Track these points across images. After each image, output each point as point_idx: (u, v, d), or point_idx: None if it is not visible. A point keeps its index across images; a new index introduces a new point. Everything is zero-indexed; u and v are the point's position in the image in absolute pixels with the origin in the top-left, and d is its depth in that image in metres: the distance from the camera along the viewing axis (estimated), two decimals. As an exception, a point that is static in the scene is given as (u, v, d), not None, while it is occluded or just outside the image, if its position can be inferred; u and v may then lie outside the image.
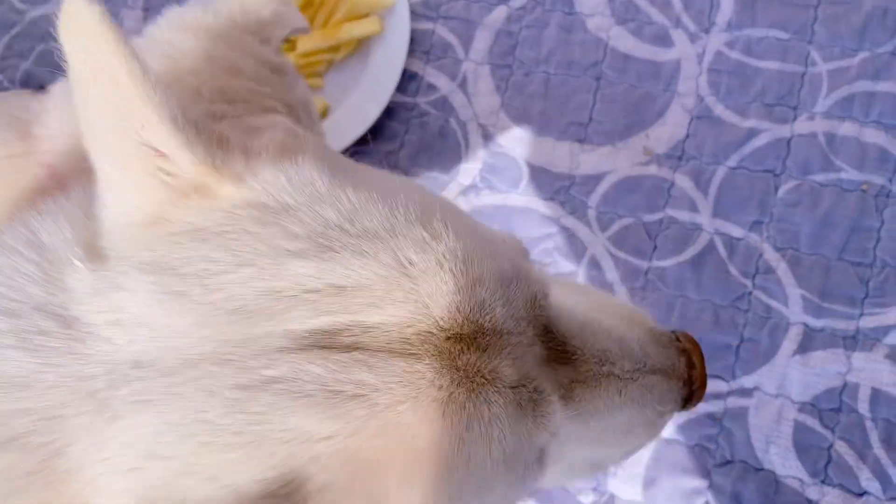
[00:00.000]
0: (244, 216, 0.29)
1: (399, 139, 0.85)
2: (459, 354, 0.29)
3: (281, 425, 0.25)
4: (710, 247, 0.73)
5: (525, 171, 0.80)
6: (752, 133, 0.75)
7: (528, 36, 0.83)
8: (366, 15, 0.87)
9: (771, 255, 0.71)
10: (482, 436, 0.29)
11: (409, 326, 0.28)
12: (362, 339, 0.27)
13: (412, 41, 0.86)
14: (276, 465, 0.25)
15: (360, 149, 0.83)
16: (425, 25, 0.87)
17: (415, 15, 0.87)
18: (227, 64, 0.51)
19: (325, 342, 0.27)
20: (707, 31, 0.78)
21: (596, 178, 0.78)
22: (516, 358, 0.31)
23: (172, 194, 0.30)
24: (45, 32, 1.02)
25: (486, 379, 0.29)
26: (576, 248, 0.76)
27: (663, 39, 0.79)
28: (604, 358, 0.36)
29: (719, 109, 0.76)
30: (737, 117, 0.75)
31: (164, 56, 0.51)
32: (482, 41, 0.85)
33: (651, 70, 0.79)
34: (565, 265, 0.76)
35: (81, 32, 0.29)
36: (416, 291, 0.29)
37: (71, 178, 0.51)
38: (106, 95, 0.29)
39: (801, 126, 0.74)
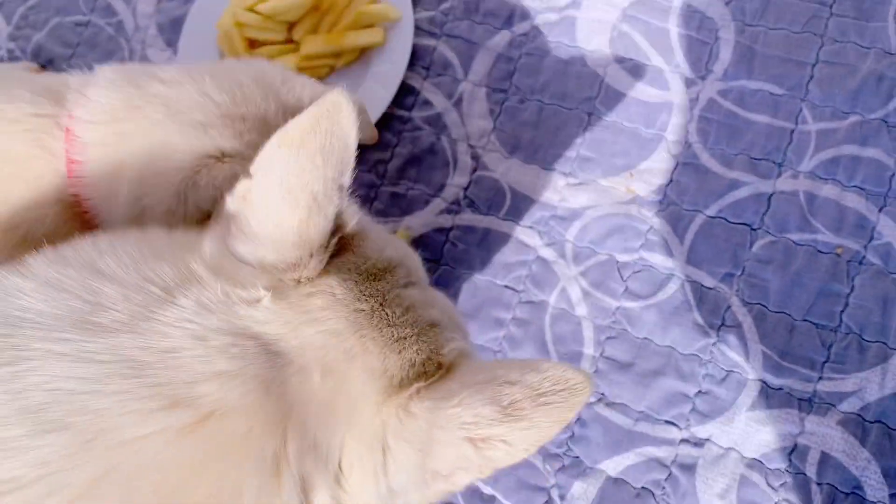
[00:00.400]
0: None
1: (390, 150, 0.86)
2: None
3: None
4: (680, 293, 0.73)
5: (508, 196, 0.81)
6: (734, 184, 0.75)
7: (527, 63, 0.84)
8: (371, 25, 0.88)
9: (738, 309, 0.72)
10: None
11: None
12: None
13: (413, 55, 0.87)
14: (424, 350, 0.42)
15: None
16: (428, 42, 0.88)
17: (419, 30, 0.88)
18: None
19: None
20: (703, 77, 0.79)
21: (577, 212, 0.79)
22: None
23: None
24: (60, 6, 1.04)
25: None
26: (549, 278, 0.77)
27: (659, 81, 0.80)
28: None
29: (705, 157, 0.76)
30: (721, 167, 0.76)
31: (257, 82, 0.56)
32: (482, 63, 0.85)
33: (643, 111, 0.79)
34: (536, 294, 0.77)
35: (337, 111, 0.41)
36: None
37: (97, 201, 0.54)
38: (331, 149, 0.42)
39: (784, 183, 0.74)
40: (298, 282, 0.42)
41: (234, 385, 0.37)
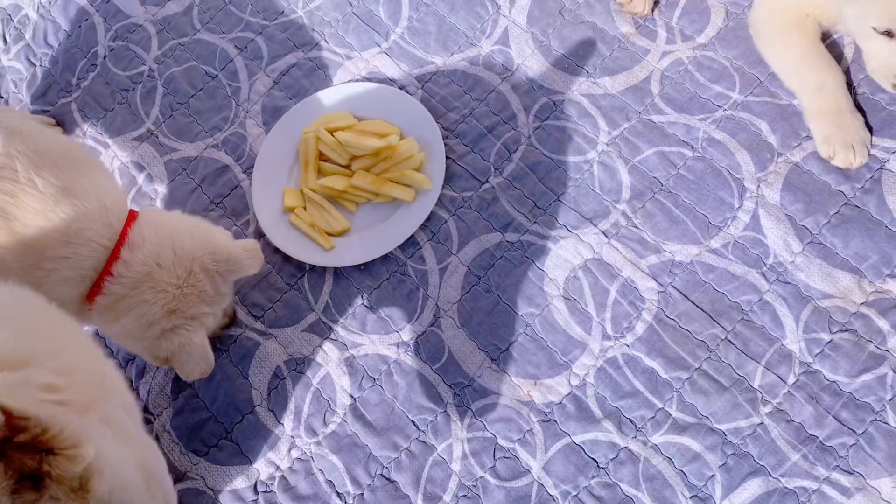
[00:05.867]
0: None
1: (380, 280, 1.10)
2: None
3: None
4: (528, 488, 0.95)
5: (446, 355, 1.04)
6: (599, 427, 0.96)
7: (502, 265, 1.07)
8: (408, 185, 1.12)
9: (559, 520, 0.93)
10: None
11: None
12: None
13: (428, 219, 1.11)
14: None
15: (349, 269, 1.09)
16: (443, 214, 1.12)
17: (440, 202, 1.12)
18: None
19: None
20: (617, 338, 1.01)
21: (486, 391, 1.01)
22: None
23: None
24: (202, 54, 1.31)
25: None
26: (444, 431, 1.00)
27: (585, 325, 1.02)
28: None
29: (590, 397, 0.98)
30: (598, 411, 0.97)
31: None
32: (472, 249, 1.09)
33: (564, 341, 1.02)
34: (430, 439, 0.99)
35: None
36: None
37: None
38: None
39: (635, 445, 0.95)
40: None
41: None
